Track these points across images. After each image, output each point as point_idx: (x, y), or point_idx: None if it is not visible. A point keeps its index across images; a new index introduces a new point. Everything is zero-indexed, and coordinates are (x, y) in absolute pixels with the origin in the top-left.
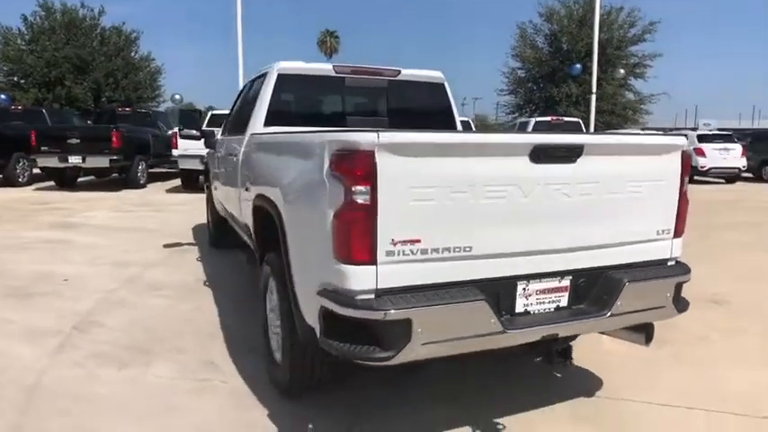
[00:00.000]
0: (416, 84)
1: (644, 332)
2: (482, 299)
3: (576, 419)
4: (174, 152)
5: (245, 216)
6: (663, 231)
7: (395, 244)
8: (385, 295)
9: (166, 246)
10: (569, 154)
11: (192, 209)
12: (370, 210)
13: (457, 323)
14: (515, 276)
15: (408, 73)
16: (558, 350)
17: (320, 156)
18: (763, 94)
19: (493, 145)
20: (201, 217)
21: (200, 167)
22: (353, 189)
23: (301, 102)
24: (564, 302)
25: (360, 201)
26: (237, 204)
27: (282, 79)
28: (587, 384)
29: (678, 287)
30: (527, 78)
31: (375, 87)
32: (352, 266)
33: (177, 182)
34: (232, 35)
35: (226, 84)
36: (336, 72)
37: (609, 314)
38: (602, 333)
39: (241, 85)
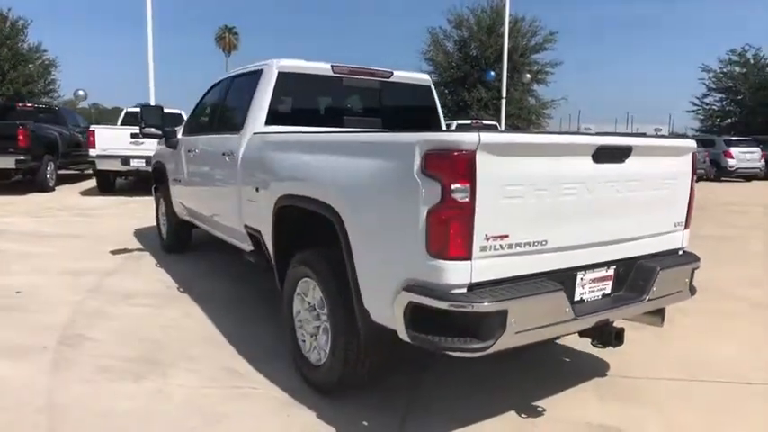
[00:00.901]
0: (406, 85)
1: (660, 315)
2: (561, 289)
3: (602, 398)
4: (92, 152)
5: (250, 217)
6: (678, 224)
7: (488, 239)
8: (476, 288)
9: (114, 252)
10: (621, 154)
11: (121, 212)
12: (469, 207)
13: (542, 312)
14: (576, 267)
15: (399, 75)
16: (615, 333)
17: (407, 155)
18: (635, 101)
19: (570, 145)
20: (137, 220)
21: (121, 168)
22: (453, 187)
23: (301, 101)
24: (608, 290)
25: (459, 199)
26: (233, 206)
27: (282, 77)
28: (597, 367)
29: (692, 273)
30: (439, 82)
31: (369, 88)
32: (449, 262)
33: (87, 184)
34: (135, 30)
35: (132, 82)
36: (334, 72)
37: (647, 299)
38: (625, 318)
39: (152, 84)
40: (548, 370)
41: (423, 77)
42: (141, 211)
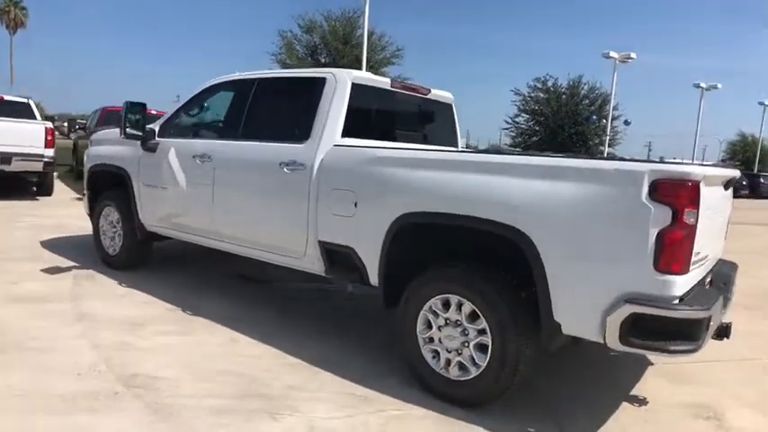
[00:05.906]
0: (437, 102)
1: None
2: (722, 293)
3: (674, 382)
4: None
5: (334, 233)
6: (724, 237)
7: (694, 256)
8: (684, 298)
9: (48, 272)
10: (730, 183)
11: None
12: (693, 229)
13: (718, 313)
14: (706, 275)
15: (434, 92)
16: (728, 327)
17: (635, 183)
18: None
19: (724, 176)
20: (24, 231)
21: None
22: (686, 212)
23: (365, 113)
24: None
25: (689, 222)
26: (295, 220)
27: (354, 89)
28: (638, 358)
29: None
30: None
31: (413, 103)
32: (673, 276)
33: None
34: None
35: None
36: (392, 86)
37: (731, 298)
38: None
39: None
40: (604, 367)
41: (448, 95)
42: (12, 218)
